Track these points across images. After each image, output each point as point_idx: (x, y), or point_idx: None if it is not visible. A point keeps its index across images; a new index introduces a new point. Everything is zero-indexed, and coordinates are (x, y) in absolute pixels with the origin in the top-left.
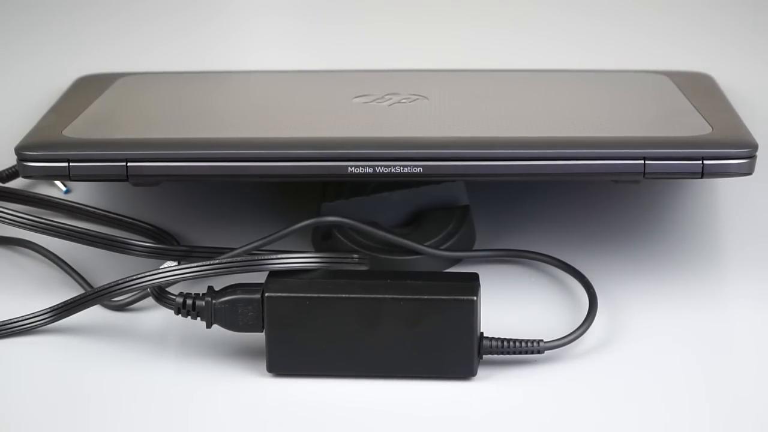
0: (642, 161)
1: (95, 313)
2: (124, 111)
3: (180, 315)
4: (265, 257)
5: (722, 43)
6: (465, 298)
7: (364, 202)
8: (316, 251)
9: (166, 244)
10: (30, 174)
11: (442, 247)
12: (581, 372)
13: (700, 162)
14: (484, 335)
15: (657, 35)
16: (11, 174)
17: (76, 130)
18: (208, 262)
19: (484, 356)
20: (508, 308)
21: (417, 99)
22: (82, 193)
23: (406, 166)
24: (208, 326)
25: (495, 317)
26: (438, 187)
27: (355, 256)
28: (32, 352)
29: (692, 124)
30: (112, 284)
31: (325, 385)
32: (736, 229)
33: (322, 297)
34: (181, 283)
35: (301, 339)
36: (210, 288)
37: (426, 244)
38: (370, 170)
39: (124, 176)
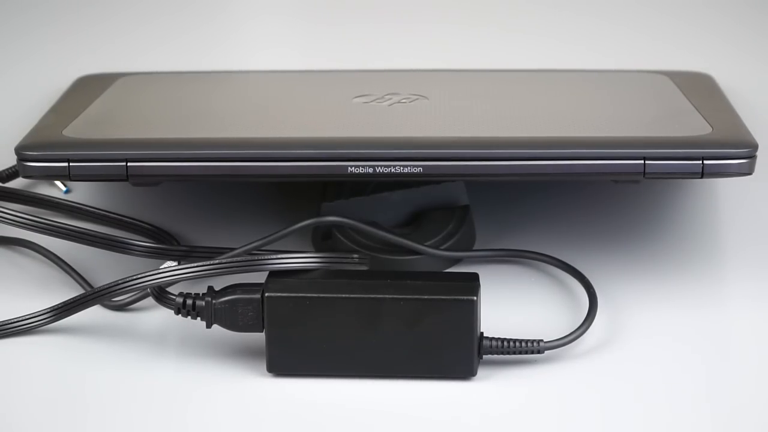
0: (642, 161)
1: (95, 313)
2: (124, 111)
3: (180, 315)
4: (265, 257)
5: (722, 43)
6: (465, 298)
7: (364, 202)
8: (316, 251)
9: (166, 244)
10: (30, 174)
11: (442, 247)
12: (581, 372)
13: (700, 162)
14: (484, 335)
15: (657, 35)
16: (11, 174)
17: (76, 130)
18: (208, 262)
19: (484, 356)
20: (508, 308)
21: (417, 99)
22: (82, 193)
23: (406, 166)
24: (208, 326)
25: (495, 317)
26: (438, 187)
27: (355, 256)
28: (32, 352)
29: (692, 124)
30: (112, 284)
31: (325, 385)
32: (736, 229)
33: (322, 297)
34: (181, 283)
35: (301, 339)
36: (210, 288)
37: (426, 244)
38: (370, 170)
39: (124, 176)
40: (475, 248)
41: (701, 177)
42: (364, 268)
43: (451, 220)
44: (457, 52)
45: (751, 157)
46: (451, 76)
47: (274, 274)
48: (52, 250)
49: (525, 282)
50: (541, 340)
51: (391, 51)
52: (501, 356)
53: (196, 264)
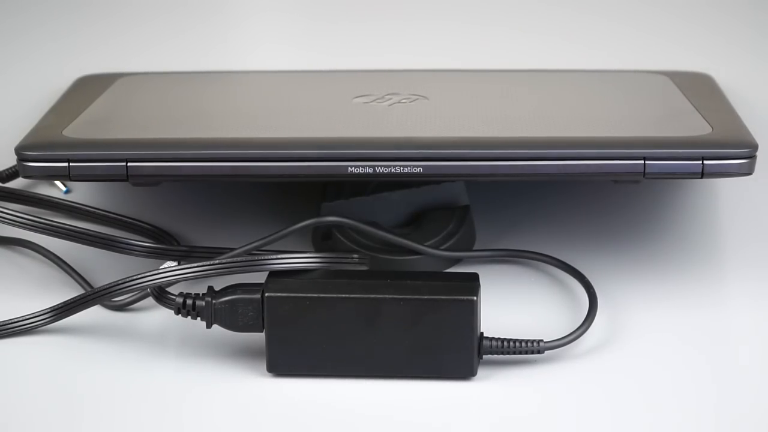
0: (642, 161)
1: (95, 313)
2: (124, 111)
3: (180, 315)
4: (265, 257)
5: (722, 43)
6: (465, 298)
7: (364, 202)
8: (316, 251)
9: (166, 244)
10: (30, 174)
11: (442, 247)
12: (581, 372)
13: (700, 162)
14: (484, 335)
15: (657, 35)
16: (11, 174)
17: (76, 130)
18: (208, 262)
19: (484, 356)
20: (508, 308)
21: (417, 99)
22: (82, 193)
23: (406, 166)
24: (208, 326)
25: (495, 317)
26: (438, 187)
27: (355, 256)
28: (32, 352)
29: (692, 124)
30: (112, 284)
31: (325, 386)
32: (736, 229)
33: (322, 297)
34: (181, 283)
35: (301, 339)
36: (210, 288)
37: (426, 244)
38: (370, 170)
39: (124, 176)
40: (475, 248)
41: (701, 177)
42: (364, 268)
43: (451, 220)
44: (457, 52)
45: (751, 157)
46: (451, 76)
47: (274, 274)
48: (52, 250)
49: (525, 282)
50: (541, 340)
51: (392, 51)
52: (501, 356)
53: (196, 264)
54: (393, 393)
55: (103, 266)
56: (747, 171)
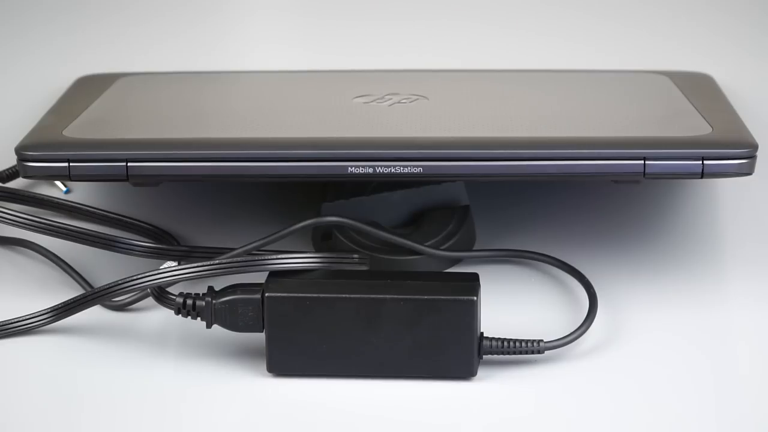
0: (642, 161)
1: (95, 313)
2: (124, 111)
3: (180, 315)
4: (265, 257)
5: (722, 43)
6: (465, 298)
7: (364, 202)
8: (316, 251)
9: (166, 244)
10: (30, 174)
11: (442, 247)
12: (581, 372)
13: (700, 162)
14: (484, 335)
15: (657, 35)
16: (11, 174)
17: (76, 130)
18: (208, 262)
19: (484, 356)
20: (508, 308)
21: (417, 99)
22: (82, 193)
23: (406, 166)
24: (208, 326)
25: (495, 317)
26: (438, 187)
27: (355, 256)
28: (32, 352)
29: (692, 124)
30: (112, 284)
31: (325, 386)
32: (736, 229)
33: (322, 297)
34: (181, 283)
35: (301, 339)
36: (210, 288)
37: (426, 244)
38: (370, 170)
39: (124, 176)
40: (475, 248)
41: (701, 177)
42: (364, 268)
43: (451, 220)
44: (457, 52)
45: (751, 157)
46: (451, 76)
47: (274, 274)
48: (52, 250)
49: (525, 282)
50: (541, 340)
51: (391, 51)
52: (501, 356)
53: (196, 264)
54: (393, 393)
55: (103, 266)
56: (747, 171)
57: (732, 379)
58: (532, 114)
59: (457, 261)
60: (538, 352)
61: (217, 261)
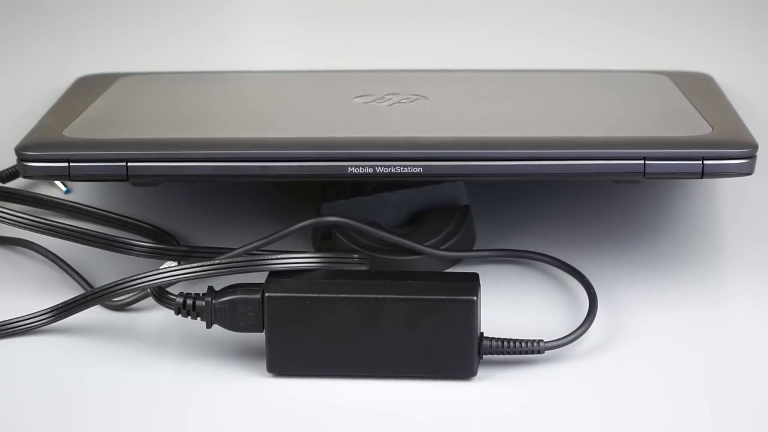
0: (642, 161)
1: (95, 313)
2: (124, 111)
3: (180, 315)
4: (265, 257)
5: (722, 43)
6: (465, 298)
7: (364, 202)
8: (316, 251)
9: (166, 244)
10: (30, 174)
11: (442, 247)
12: (581, 372)
13: (700, 162)
14: (484, 335)
15: (657, 35)
16: (11, 174)
17: (76, 130)
18: (208, 262)
19: (484, 356)
20: (508, 308)
21: (417, 99)
22: (82, 193)
23: (406, 166)
24: (208, 326)
25: (495, 317)
26: (438, 187)
27: (355, 256)
28: (32, 352)
29: (692, 124)
30: (112, 284)
31: (325, 385)
32: (736, 229)
33: (322, 297)
34: (181, 283)
35: (301, 339)
36: (210, 288)
37: (426, 244)
38: (370, 170)
39: (124, 176)
40: (475, 248)
41: (701, 177)
42: (364, 268)
43: (451, 220)
44: (457, 52)
45: (751, 157)
46: (451, 76)
47: (274, 274)
48: (52, 250)
49: (525, 282)
50: (541, 340)
51: (391, 51)
52: (501, 356)
53: (196, 264)
54: (393, 393)
55: (103, 266)
56: (747, 171)
57: (732, 379)
58: (532, 114)
59: (457, 261)
60: (538, 352)
61: (217, 261)
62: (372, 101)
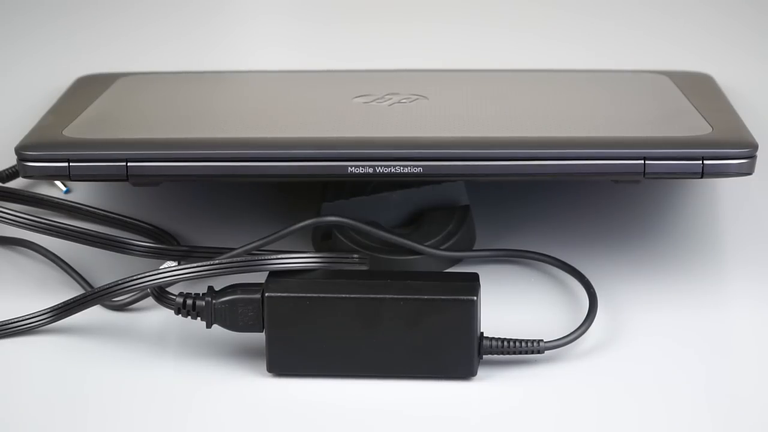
0: (642, 161)
1: (95, 313)
2: (124, 111)
3: (180, 315)
4: (265, 257)
5: (722, 43)
6: (465, 298)
7: (364, 202)
8: (316, 251)
9: (166, 244)
10: (30, 174)
11: (442, 247)
12: (581, 372)
13: (700, 162)
14: (484, 335)
15: (657, 35)
16: (11, 174)
17: (76, 130)
18: (208, 262)
19: (484, 356)
20: (508, 308)
21: (417, 99)
22: (82, 193)
23: (406, 166)
24: (208, 326)
25: (495, 317)
26: (438, 187)
27: (355, 256)
28: (32, 352)
29: (692, 124)
30: (112, 284)
31: (325, 385)
32: (736, 229)
33: (322, 297)
34: (181, 283)
35: (301, 339)
36: (210, 288)
37: (426, 244)
38: (370, 170)
39: (124, 176)
40: (475, 248)
41: (701, 177)
42: (364, 268)
43: (451, 220)
44: (457, 52)
45: (751, 157)
46: (451, 76)
47: (274, 274)
48: (52, 250)
49: (525, 282)
50: (541, 340)
51: (391, 51)
52: (501, 356)
53: (196, 264)
54: (393, 393)
55: (103, 266)
56: (747, 171)
57: (732, 379)
58: (532, 114)
59: (457, 261)
60: (538, 352)
61: (217, 261)
62: (372, 101)
